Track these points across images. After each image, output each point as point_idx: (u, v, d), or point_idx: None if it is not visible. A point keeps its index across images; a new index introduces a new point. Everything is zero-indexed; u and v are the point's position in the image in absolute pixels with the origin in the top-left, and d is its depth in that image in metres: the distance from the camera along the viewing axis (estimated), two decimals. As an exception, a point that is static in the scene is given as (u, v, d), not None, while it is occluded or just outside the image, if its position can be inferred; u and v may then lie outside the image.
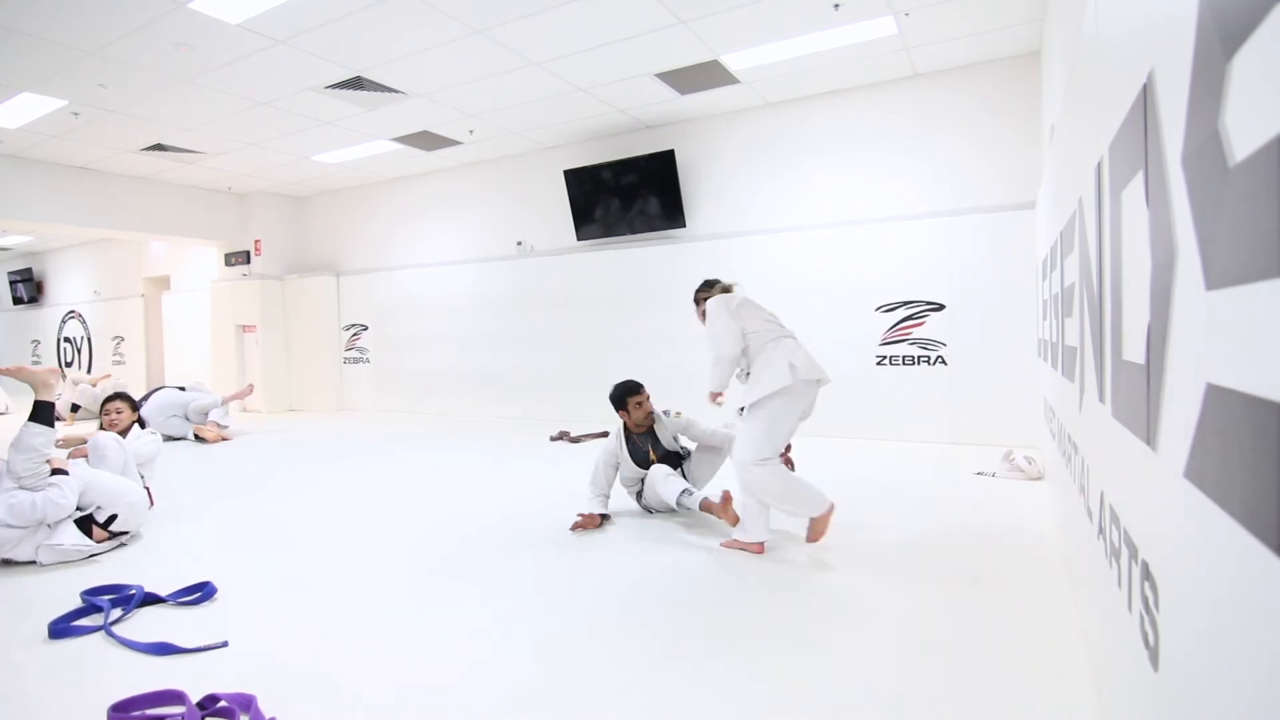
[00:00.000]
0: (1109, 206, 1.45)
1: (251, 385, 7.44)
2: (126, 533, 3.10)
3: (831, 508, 2.82)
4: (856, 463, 4.67)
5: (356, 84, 5.30)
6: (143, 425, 4.00)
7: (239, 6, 4.06)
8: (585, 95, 5.70)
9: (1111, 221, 1.41)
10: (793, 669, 1.86)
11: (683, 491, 3.20)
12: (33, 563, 2.81)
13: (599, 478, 3.34)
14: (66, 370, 12.60)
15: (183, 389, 6.82)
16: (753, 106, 6.06)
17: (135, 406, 4.03)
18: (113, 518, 3.00)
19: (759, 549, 2.79)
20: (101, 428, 3.83)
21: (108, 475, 3.11)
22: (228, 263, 9.06)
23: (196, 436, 6.46)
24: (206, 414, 6.62)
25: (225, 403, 6.78)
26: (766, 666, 1.87)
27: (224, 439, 6.52)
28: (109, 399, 3.96)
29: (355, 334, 8.86)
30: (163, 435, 6.41)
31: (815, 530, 2.85)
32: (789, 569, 2.64)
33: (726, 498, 3.02)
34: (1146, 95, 1.06)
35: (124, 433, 3.77)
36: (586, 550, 2.92)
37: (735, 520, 2.92)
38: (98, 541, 2.95)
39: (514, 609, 2.32)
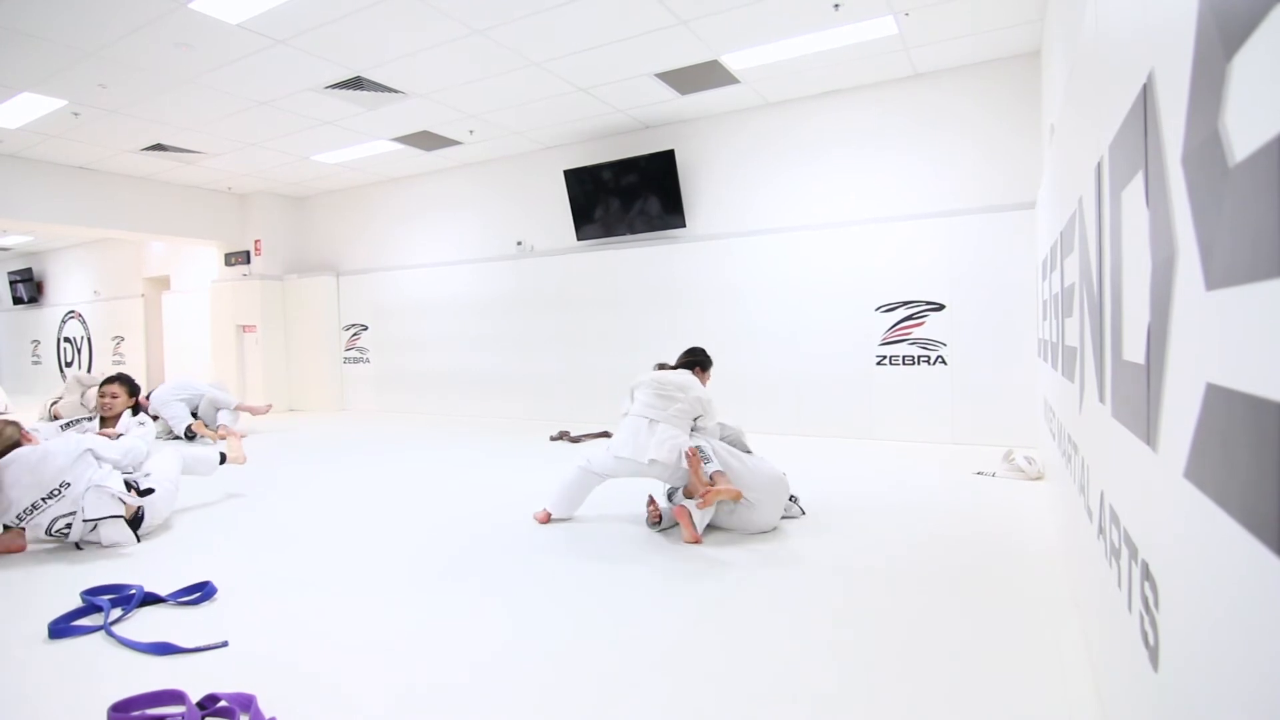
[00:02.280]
0: (1109, 206, 1.45)
1: (270, 405, 7.47)
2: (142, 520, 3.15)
3: (549, 516, 3.32)
4: (856, 463, 4.67)
5: (356, 84, 5.30)
6: (135, 412, 3.95)
7: (239, 6, 4.06)
8: (585, 95, 5.70)
9: (1111, 221, 1.41)
10: (791, 669, 1.86)
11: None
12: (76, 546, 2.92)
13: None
14: (67, 370, 12.62)
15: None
16: (753, 106, 6.06)
17: (133, 391, 3.93)
18: (149, 491, 3.14)
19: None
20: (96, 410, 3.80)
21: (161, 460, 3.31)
22: (228, 263, 9.06)
23: (189, 432, 6.42)
24: (218, 411, 6.64)
25: (237, 409, 6.79)
26: (768, 667, 1.87)
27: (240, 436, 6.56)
28: (106, 381, 3.85)
29: (355, 334, 8.86)
30: (163, 420, 6.43)
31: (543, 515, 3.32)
32: (789, 571, 2.64)
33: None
34: (1146, 95, 1.06)
35: (118, 418, 3.74)
36: (589, 550, 2.92)
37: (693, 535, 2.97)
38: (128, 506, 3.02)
39: (515, 610, 2.32)
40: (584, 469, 3.31)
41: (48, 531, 2.86)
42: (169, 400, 6.46)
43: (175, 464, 3.47)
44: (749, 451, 3.34)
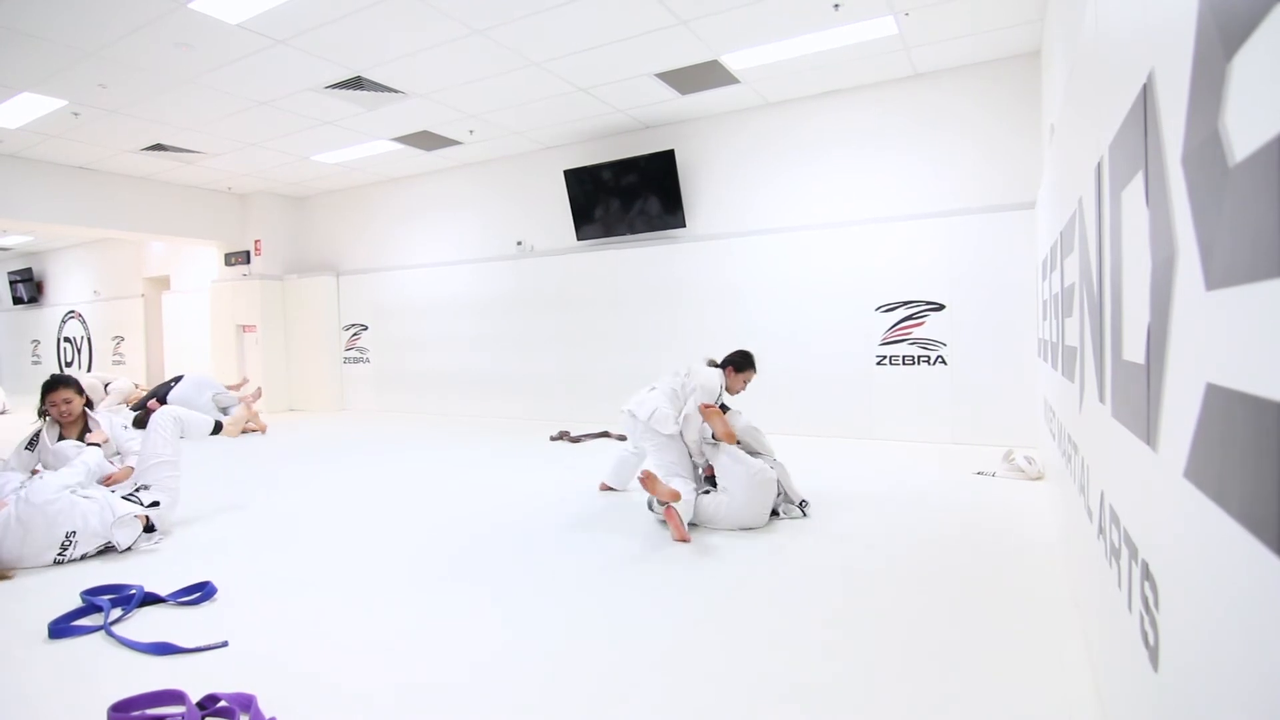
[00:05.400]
0: (1109, 206, 1.45)
1: (260, 390, 7.57)
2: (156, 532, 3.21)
3: (606, 486, 3.97)
4: (856, 463, 4.67)
5: (356, 84, 5.30)
6: (91, 408, 3.79)
7: (239, 6, 4.06)
8: (585, 95, 5.70)
9: (1111, 221, 1.41)
10: (792, 668, 1.86)
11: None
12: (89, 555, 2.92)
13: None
14: (67, 369, 12.62)
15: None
16: (753, 106, 6.06)
17: (82, 391, 3.76)
18: (155, 504, 3.18)
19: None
20: (45, 418, 3.57)
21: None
22: (228, 263, 9.06)
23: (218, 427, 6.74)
24: (226, 410, 6.90)
25: (241, 401, 7.05)
26: (768, 666, 1.88)
27: (257, 429, 6.93)
28: (52, 388, 3.59)
29: (355, 334, 8.86)
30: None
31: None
32: (789, 570, 2.64)
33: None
34: (1146, 95, 1.06)
35: (77, 421, 3.58)
36: (590, 550, 2.92)
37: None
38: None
39: (515, 610, 2.32)
40: (624, 447, 3.91)
41: (85, 556, 2.91)
42: (193, 399, 6.67)
43: (173, 439, 3.37)
44: (759, 453, 3.35)
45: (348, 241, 8.95)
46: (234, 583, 2.58)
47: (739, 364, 3.57)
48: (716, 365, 3.57)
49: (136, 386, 7.46)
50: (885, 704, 1.67)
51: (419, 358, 8.30)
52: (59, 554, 2.81)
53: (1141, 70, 1.09)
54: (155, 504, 3.17)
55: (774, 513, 3.25)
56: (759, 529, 3.14)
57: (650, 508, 3.32)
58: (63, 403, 3.56)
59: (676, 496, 3.06)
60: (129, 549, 3.00)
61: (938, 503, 3.57)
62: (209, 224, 8.74)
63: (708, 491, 3.26)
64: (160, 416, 3.38)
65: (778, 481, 3.24)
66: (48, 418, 3.57)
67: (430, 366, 8.21)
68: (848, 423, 5.67)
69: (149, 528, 3.14)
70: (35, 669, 1.95)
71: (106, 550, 2.97)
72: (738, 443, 3.33)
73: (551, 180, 7.10)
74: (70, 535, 2.82)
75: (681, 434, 3.38)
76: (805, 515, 3.30)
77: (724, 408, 3.49)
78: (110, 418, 3.80)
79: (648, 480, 3.06)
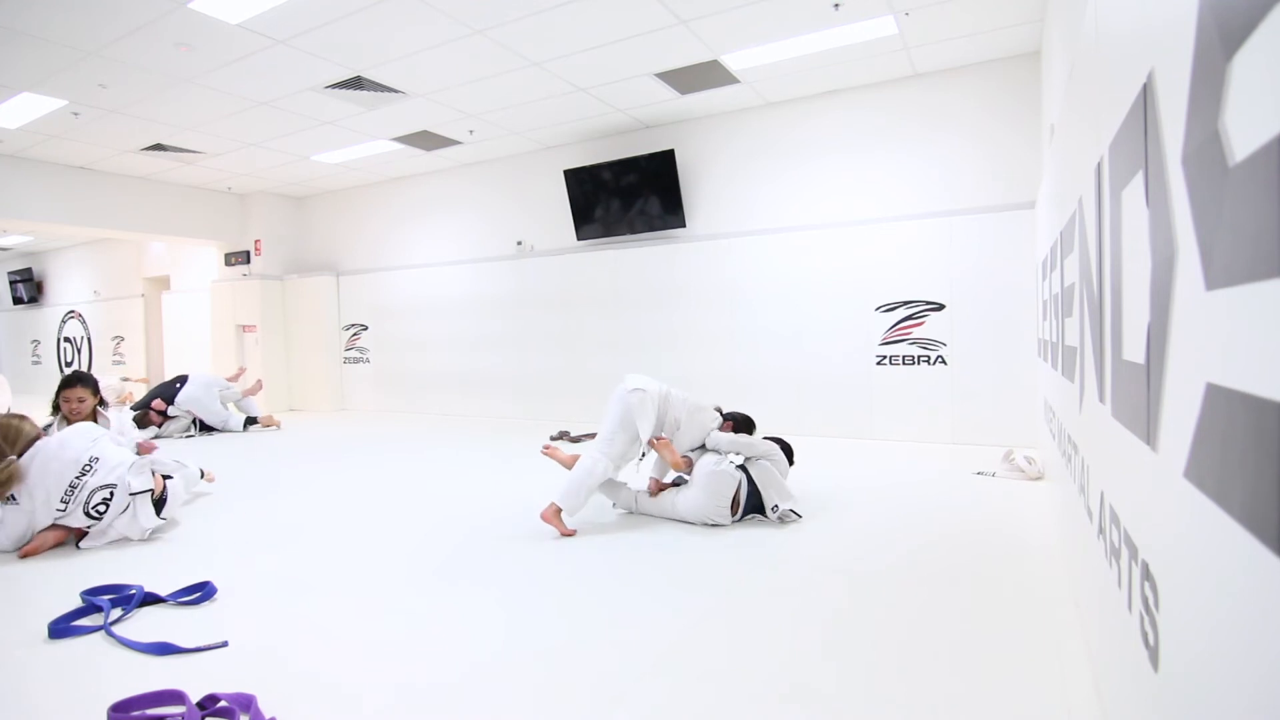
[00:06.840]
0: (1109, 206, 1.45)
1: (260, 381, 7.61)
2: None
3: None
4: (856, 463, 4.67)
5: (356, 84, 5.30)
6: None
7: (239, 6, 4.06)
8: (585, 95, 5.70)
9: (1111, 221, 1.41)
10: (791, 668, 1.86)
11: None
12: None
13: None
14: (67, 369, 12.62)
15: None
16: (753, 106, 6.06)
17: (97, 391, 3.81)
18: (168, 477, 3.35)
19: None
20: (58, 413, 3.71)
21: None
22: (228, 263, 9.06)
23: (251, 420, 6.98)
24: (236, 402, 7.09)
25: (244, 395, 7.20)
26: (768, 666, 1.88)
27: (275, 424, 7.19)
28: (68, 385, 3.70)
29: (355, 334, 8.86)
30: (198, 419, 6.71)
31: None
32: (788, 570, 2.64)
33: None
34: (1146, 95, 1.06)
35: (87, 421, 3.66)
36: (590, 549, 2.92)
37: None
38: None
39: (514, 609, 2.32)
40: None
41: (86, 512, 2.94)
42: (202, 399, 6.68)
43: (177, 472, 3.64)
44: (754, 456, 3.34)
45: (347, 241, 8.95)
46: (234, 583, 2.58)
47: (740, 424, 3.55)
48: (719, 412, 3.55)
49: (126, 380, 7.55)
50: (885, 703, 1.67)
51: (419, 358, 8.30)
52: (76, 478, 2.89)
53: (1141, 70, 1.09)
54: (168, 477, 3.31)
55: (768, 512, 3.24)
56: (761, 528, 3.14)
57: (614, 506, 3.52)
58: (75, 400, 3.70)
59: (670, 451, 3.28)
60: (128, 507, 3.05)
61: (938, 503, 3.57)
62: (209, 224, 8.74)
63: (681, 482, 3.41)
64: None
65: (751, 480, 3.20)
66: (59, 414, 3.64)
67: (430, 366, 8.21)
68: (848, 423, 5.67)
69: (160, 502, 3.19)
70: (35, 669, 1.95)
71: (106, 546, 2.98)
72: (692, 460, 3.39)
73: (551, 180, 7.10)
74: (93, 460, 2.96)
75: (654, 440, 3.43)
76: (799, 517, 3.28)
77: (739, 422, 3.53)
78: (121, 423, 3.84)
79: (551, 450, 3.40)
